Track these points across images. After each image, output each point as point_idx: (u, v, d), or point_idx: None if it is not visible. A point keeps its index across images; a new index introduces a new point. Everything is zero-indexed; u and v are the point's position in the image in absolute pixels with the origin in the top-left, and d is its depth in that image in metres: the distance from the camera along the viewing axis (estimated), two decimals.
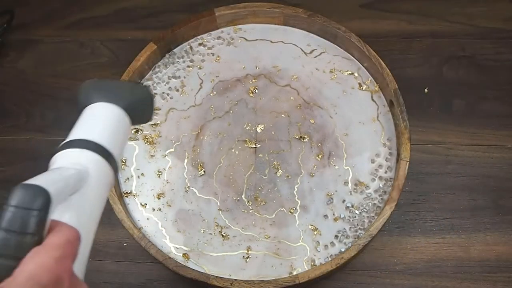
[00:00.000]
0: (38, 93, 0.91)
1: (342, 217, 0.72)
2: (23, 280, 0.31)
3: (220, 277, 0.67)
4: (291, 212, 0.73)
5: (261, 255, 0.71)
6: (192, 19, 0.83)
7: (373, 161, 0.75)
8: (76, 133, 0.46)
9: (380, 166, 0.75)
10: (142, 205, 0.74)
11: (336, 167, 0.75)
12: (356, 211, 0.72)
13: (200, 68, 0.83)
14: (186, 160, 0.77)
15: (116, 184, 0.74)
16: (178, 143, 0.78)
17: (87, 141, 0.44)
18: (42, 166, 0.85)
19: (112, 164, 0.45)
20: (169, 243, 0.72)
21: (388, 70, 0.77)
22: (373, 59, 0.78)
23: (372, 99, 0.79)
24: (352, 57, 0.82)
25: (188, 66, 0.84)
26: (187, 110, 0.80)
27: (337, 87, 0.81)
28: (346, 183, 0.74)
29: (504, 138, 0.82)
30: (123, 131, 0.48)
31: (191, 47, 0.85)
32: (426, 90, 0.87)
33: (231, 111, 0.80)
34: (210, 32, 0.86)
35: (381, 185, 0.73)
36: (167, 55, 0.84)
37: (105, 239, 0.80)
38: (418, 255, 0.76)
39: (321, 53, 0.83)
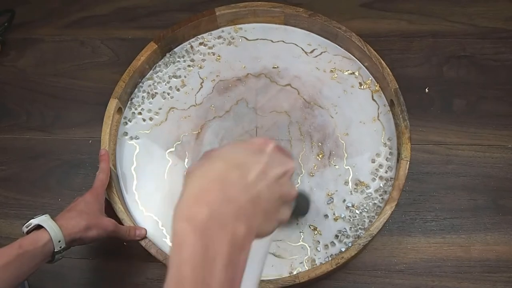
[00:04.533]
0: (39, 92, 0.91)
1: (342, 216, 0.72)
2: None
3: None
4: None
5: None
6: (192, 18, 0.83)
7: (373, 161, 0.75)
8: None
9: (380, 165, 0.75)
10: (143, 205, 0.74)
11: (337, 166, 0.75)
12: (357, 211, 0.72)
13: (200, 68, 0.83)
14: (186, 160, 0.77)
15: (117, 184, 0.74)
16: (178, 142, 0.78)
17: None
18: (42, 165, 0.85)
19: None
20: (170, 242, 0.72)
21: (388, 70, 0.77)
22: (374, 59, 0.78)
23: (373, 99, 0.79)
24: (353, 57, 0.82)
25: (189, 66, 0.84)
26: (188, 109, 0.80)
27: (338, 86, 0.81)
28: (346, 182, 0.74)
29: (505, 138, 0.82)
30: None
31: (191, 47, 0.85)
32: (426, 90, 0.86)
33: (231, 111, 0.80)
34: (211, 32, 0.86)
35: (381, 185, 0.73)
36: (167, 55, 0.84)
37: (106, 238, 0.80)
38: (418, 255, 0.75)
39: (321, 53, 0.83)
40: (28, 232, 0.59)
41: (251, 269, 0.43)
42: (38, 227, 0.59)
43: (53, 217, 0.60)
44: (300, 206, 0.65)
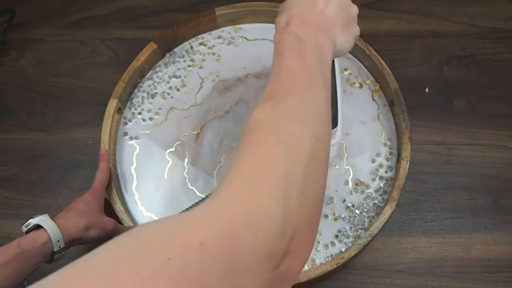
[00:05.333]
0: (39, 92, 0.91)
1: (342, 216, 0.72)
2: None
3: None
4: None
5: None
6: (192, 18, 0.83)
7: (373, 161, 0.75)
8: None
9: (380, 165, 0.75)
10: (142, 205, 0.74)
11: (337, 166, 0.75)
12: (357, 211, 0.72)
13: (200, 68, 0.83)
14: (186, 160, 0.77)
15: (117, 184, 0.74)
16: (178, 142, 0.78)
17: None
18: (42, 165, 0.85)
19: None
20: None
21: (388, 70, 0.77)
22: (374, 59, 0.78)
23: (373, 99, 0.79)
24: (353, 57, 0.82)
25: (189, 66, 0.84)
26: (188, 109, 0.80)
27: (338, 86, 0.80)
28: (346, 182, 0.74)
29: (505, 138, 0.82)
30: None
31: (191, 47, 0.85)
32: (426, 90, 0.86)
33: (231, 111, 0.80)
34: (211, 32, 0.86)
35: (381, 185, 0.73)
36: (167, 55, 0.84)
37: (106, 238, 0.80)
38: (418, 255, 0.75)
39: None
40: (27, 232, 0.59)
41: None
42: (37, 226, 0.59)
43: (52, 217, 0.60)
44: None
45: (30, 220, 0.59)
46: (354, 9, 0.52)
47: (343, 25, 0.49)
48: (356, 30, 0.52)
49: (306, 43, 0.44)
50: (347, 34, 0.50)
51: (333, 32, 0.47)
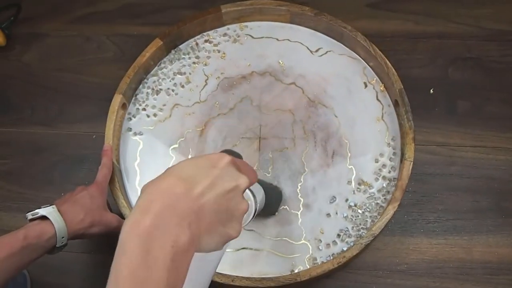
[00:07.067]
0: (43, 87, 0.92)
1: (344, 216, 0.72)
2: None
3: (222, 274, 0.67)
4: (294, 210, 0.73)
5: (263, 252, 0.71)
6: (198, 15, 0.83)
7: (377, 161, 0.75)
8: None
9: (384, 165, 0.75)
10: None
11: (340, 166, 0.75)
12: (359, 211, 0.72)
13: (205, 65, 0.83)
14: (190, 156, 0.77)
15: (120, 179, 0.74)
16: (182, 139, 0.78)
17: None
18: (46, 159, 0.85)
19: None
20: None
21: (393, 70, 0.76)
22: (379, 59, 0.78)
23: (377, 99, 0.79)
24: (358, 56, 0.82)
25: (194, 63, 0.84)
26: (192, 106, 0.81)
27: (342, 86, 0.80)
28: (349, 182, 0.74)
29: (509, 140, 0.82)
30: None
31: (197, 44, 0.85)
32: (431, 91, 0.86)
33: (235, 108, 0.80)
34: (216, 29, 0.86)
35: (384, 185, 0.73)
36: (172, 51, 0.84)
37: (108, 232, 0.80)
38: (420, 256, 0.75)
39: (327, 52, 0.83)
40: (32, 220, 0.59)
41: (196, 283, 0.44)
42: (43, 217, 0.58)
43: (58, 207, 0.60)
44: (269, 203, 0.65)
45: (38, 210, 0.59)
46: (242, 206, 0.38)
47: (219, 221, 0.37)
48: (233, 231, 0.38)
49: (157, 258, 0.32)
50: (217, 235, 0.37)
51: (201, 227, 0.35)
